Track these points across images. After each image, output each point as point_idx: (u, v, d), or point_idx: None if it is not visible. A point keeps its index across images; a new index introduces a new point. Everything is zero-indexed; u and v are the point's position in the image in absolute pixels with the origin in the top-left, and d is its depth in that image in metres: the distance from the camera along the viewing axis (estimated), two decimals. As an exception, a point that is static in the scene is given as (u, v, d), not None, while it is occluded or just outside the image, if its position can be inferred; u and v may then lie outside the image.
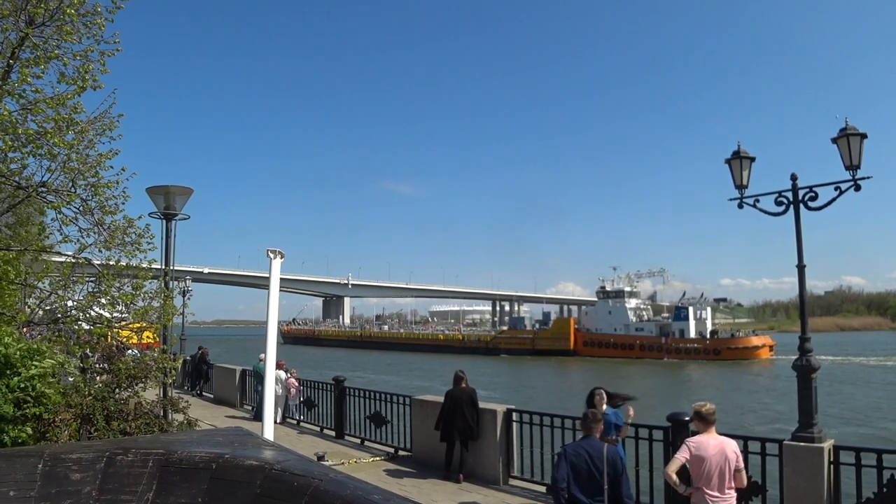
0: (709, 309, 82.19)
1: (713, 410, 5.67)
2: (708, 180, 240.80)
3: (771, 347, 73.56)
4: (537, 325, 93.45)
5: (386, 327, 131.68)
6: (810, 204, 7.69)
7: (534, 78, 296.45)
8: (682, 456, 5.50)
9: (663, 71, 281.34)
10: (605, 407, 7.57)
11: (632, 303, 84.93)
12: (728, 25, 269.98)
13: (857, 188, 7.40)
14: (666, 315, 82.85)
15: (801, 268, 7.78)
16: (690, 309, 78.21)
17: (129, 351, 7.99)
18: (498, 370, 58.85)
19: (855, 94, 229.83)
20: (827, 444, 6.78)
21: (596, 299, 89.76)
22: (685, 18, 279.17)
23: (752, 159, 8.19)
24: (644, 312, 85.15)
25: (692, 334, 76.61)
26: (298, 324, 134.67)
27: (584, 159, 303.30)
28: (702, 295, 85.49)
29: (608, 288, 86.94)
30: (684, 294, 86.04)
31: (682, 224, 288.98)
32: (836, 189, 7.53)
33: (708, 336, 76.88)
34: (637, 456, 7.86)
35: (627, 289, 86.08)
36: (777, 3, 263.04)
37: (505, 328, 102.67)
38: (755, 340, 74.36)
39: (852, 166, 7.39)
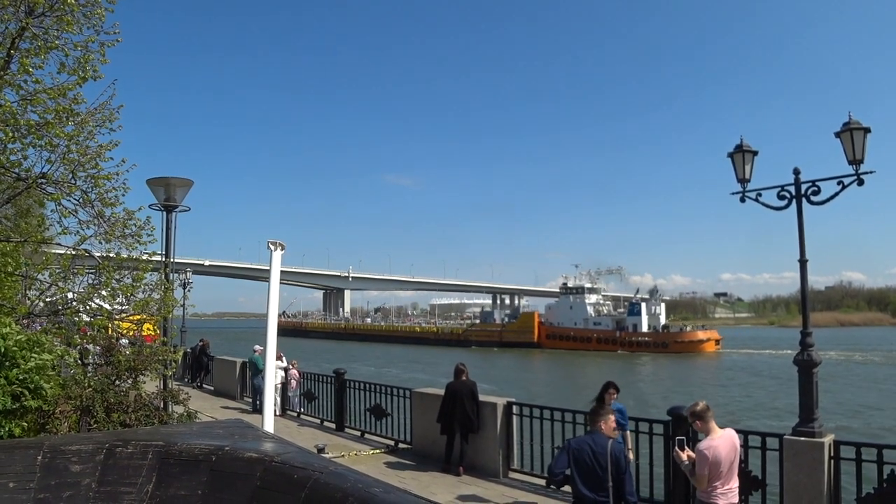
0: (662, 304, 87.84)
1: (707, 406, 5.61)
2: (710, 177, 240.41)
3: (717, 341, 78.65)
4: (506, 319, 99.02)
5: (369, 320, 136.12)
6: (813, 198, 7.62)
7: (537, 75, 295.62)
8: (703, 472, 5.37)
9: (665, 69, 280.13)
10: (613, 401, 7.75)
11: (591, 298, 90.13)
12: (727, 25, 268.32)
13: (861, 183, 7.33)
14: (622, 310, 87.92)
15: (802, 262, 7.74)
16: (643, 304, 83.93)
17: (122, 340, 8.00)
18: (465, 360, 59.81)
19: (857, 92, 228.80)
20: (827, 439, 6.76)
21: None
22: (685, 18, 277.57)
23: (755, 153, 8.11)
24: (603, 307, 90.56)
25: (645, 328, 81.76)
26: (287, 316, 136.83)
27: (587, 155, 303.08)
28: (655, 290, 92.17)
29: (570, 284, 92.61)
30: (637, 290, 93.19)
31: (683, 220, 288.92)
32: (838, 183, 7.46)
33: (660, 330, 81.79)
34: (637, 449, 7.87)
35: (588, 285, 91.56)
36: (778, 2, 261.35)
37: (477, 321, 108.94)
38: (701, 335, 79.62)
39: (855, 160, 7.31)
